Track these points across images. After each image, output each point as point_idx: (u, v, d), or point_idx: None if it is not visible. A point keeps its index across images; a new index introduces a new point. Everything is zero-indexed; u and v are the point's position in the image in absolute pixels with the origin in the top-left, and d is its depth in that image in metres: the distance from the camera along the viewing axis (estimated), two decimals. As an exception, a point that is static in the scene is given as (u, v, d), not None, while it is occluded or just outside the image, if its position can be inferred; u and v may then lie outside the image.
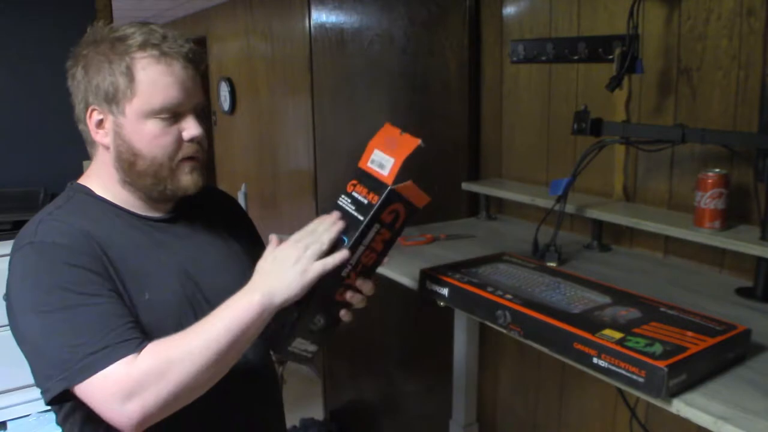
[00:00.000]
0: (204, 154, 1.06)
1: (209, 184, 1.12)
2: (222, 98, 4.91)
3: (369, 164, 1.01)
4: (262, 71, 4.20)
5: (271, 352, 1.14)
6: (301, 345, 1.02)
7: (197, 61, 1.03)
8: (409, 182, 1.00)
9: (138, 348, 0.90)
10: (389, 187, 0.97)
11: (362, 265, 0.99)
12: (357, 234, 0.96)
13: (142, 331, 0.95)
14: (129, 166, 1.02)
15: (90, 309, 0.91)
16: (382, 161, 0.99)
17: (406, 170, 0.98)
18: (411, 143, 0.98)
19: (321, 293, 0.97)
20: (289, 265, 0.94)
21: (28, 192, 2.70)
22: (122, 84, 0.98)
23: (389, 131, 1.02)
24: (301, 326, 0.98)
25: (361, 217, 0.97)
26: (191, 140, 1.03)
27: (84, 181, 1.09)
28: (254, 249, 1.23)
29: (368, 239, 0.97)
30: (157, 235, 1.07)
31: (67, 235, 0.97)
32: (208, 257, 1.11)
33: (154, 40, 0.99)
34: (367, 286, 1.02)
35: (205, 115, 1.09)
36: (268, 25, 4.05)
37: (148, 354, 0.90)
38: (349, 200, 0.99)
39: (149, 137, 1.00)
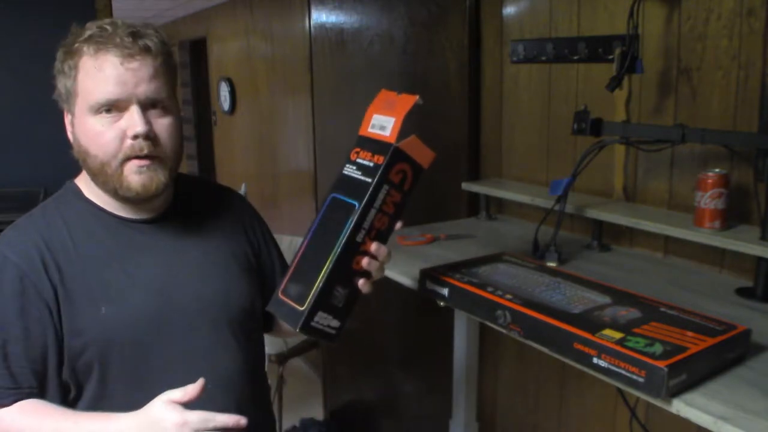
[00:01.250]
0: (163, 151, 1.00)
1: (217, 183, 1.10)
2: (222, 98, 4.91)
3: (370, 129, 1.01)
4: (262, 71, 4.20)
5: (295, 329, 1.03)
6: (324, 320, 0.98)
7: (145, 51, 0.98)
8: (412, 137, 1.00)
9: (3, 400, 0.95)
10: (393, 146, 0.97)
11: (376, 230, 0.99)
12: (367, 196, 0.96)
13: (34, 377, 0.98)
14: (83, 164, 1.03)
15: None
16: (383, 123, 1.00)
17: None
18: (409, 100, 0.99)
19: (338, 264, 0.96)
20: None
21: (28, 192, 2.70)
22: (69, 84, 0.99)
23: (386, 96, 1.04)
24: (322, 299, 0.96)
25: (368, 180, 0.97)
26: (135, 137, 0.97)
27: (78, 180, 1.09)
28: (260, 253, 1.20)
29: (379, 201, 0.97)
30: (138, 238, 1.06)
31: (20, 252, 0.99)
32: (191, 262, 1.09)
33: (100, 36, 0.97)
34: (382, 251, 1.00)
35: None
36: (268, 25, 4.05)
37: (10, 414, 0.95)
38: (354, 167, 1.00)
39: (92, 135, 0.98)
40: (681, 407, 0.87)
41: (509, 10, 1.93)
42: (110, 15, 2.79)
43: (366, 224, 0.97)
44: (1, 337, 0.96)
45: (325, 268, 0.96)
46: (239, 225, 1.19)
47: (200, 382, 0.91)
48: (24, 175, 2.79)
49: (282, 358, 2.82)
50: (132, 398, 0.96)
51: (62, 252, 1.00)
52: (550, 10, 1.79)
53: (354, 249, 0.98)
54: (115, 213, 1.06)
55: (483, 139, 2.05)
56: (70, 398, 1.02)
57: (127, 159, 0.99)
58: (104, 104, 0.97)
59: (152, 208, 1.07)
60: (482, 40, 2.00)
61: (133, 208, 1.06)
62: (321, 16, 2.74)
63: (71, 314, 0.98)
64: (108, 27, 0.98)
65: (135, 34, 0.98)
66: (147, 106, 0.99)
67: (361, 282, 1.00)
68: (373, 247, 0.99)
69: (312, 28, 2.82)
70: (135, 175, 0.99)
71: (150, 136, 0.98)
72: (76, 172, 1.10)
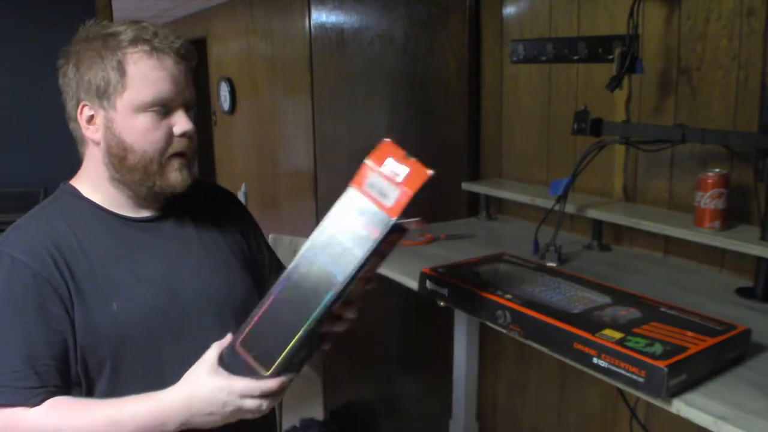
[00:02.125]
0: (193, 151, 1.06)
1: (207, 180, 1.11)
2: (222, 98, 4.91)
3: (366, 188, 0.86)
4: (262, 71, 4.20)
5: None
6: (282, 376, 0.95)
7: (189, 57, 1.03)
8: (415, 220, 0.89)
9: (31, 400, 0.93)
10: (393, 222, 0.83)
11: (349, 295, 0.91)
12: (352, 272, 0.85)
13: (58, 376, 0.96)
14: (119, 161, 1.02)
15: (11, 339, 0.95)
16: (384, 189, 0.85)
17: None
18: (421, 175, 0.85)
19: (309, 333, 0.89)
20: (220, 415, 0.93)
21: (28, 192, 2.70)
22: (113, 78, 0.99)
23: (391, 151, 0.87)
24: (287, 363, 0.92)
25: (357, 253, 0.85)
26: (182, 135, 1.03)
27: (74, 181, 1.09)
28: (251, 247, 1.23)
29: (362, 272, 0.87)
30: (140, 237, 1.07)
31: (29, 252, 0.98)
32: (192, 259, 1.10)
33: (146, 35, 1.00)
34: (350, 312, 0.99)
35: (198, 112, 1.09)
36: (268, 25, 4.05)
37: (42, 413, 0.93)
38: (343, 228, 0.87)
39: (140, 131, 1.00)
40: (681, 407, 0.87)
41: (509, 10, 1.93)
42: (110, 15, 2.79)
43: (344, 295, 0.89)
44: (22, 337, 0.95)
45: (296, 338, 0.89)
46: (232, 220, 1.22)
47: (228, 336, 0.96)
48: (24, 175, 2.78)
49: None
50: (143, 393, 0.98)
51: (69, 251, 1.00)
52: (550, 10, 1.79)
53: (328, 316, 0.91)
54: (117, 212, 1.07)
55: (483, 139, 2.05)
56: (81, 394, 1.02)
57: (171, 156, 1.03)
58: (159, 102, 1.00)
59: (156, 207, 1.09)
60: (482, 40, 2.00)
61: (139, 206, 1.08)
62: (321, 16, 2.74)
63: (84, 312, 0.98)
64: (151, 28, 1.01)
65: (179, 38, 1.02)
66: (186, 107, 1.04)
67: (324, 345, 0.99)
68: (348, 314, 0.97)
69: (312, 28, 2.82)
70: (176, 172, 1.04)
71: (192, 136, 1.04)
72: (76, 172, 1.09)
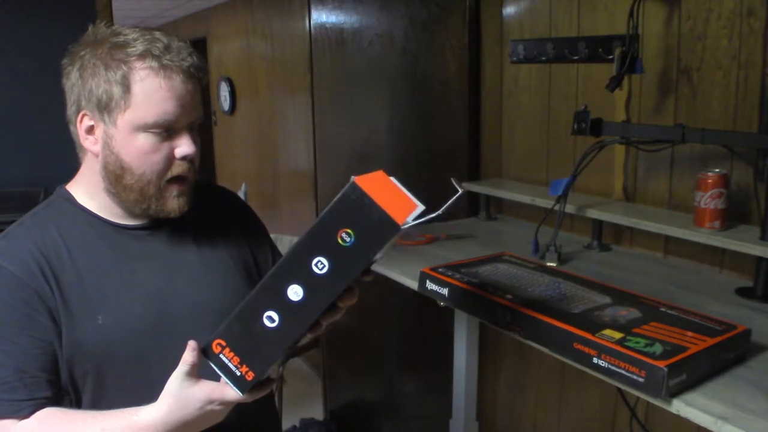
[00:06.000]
0: (194, 174, 1.02)
1: (209, 182, 1.08)
2: (222, 98, 4.91)
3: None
4: (262, 71, 4.20)
5: None
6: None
7: (199, 77, 0.98)
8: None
9: (19, 413, 0.92)
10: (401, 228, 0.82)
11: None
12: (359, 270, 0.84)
13: (48, 386, 0.95)
14: (116, 179, 0.99)
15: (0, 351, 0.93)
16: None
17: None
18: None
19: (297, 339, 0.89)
20: (202, 421, 0.91)
21: (28, 192, 2.69)
22: (117, 93, 0.94)
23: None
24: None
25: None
26: (183, 158, 0.98)
27: (70, 186, 1.06)
28: (255, 254, 1.18)
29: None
30: (134, 247, 1.03)
31: (16, 262, 0.96)
32: (188, 270, 1.06)
33: (155, 50, 0.94)
34: (349, 299, 0.94)
35: (203, 125, 1.05)
36: (268, 25, 4.05)
37: (31, 426, 0.92)
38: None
39: (139, 152, 0.96)
40: (681, 407, 0.87)
41: (509, 10, 1.93)
42: (110, 15, 2.79)
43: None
44: (10, 349, 0.93)
45: (285, 349, 0.88)
46: (235, 226, 1.17)
47: (192, 343, 0.90)
48: (24, 175, 2.78)
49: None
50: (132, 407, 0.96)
51: (57, 260, 0.97)
52: (550, 10, 1.79)
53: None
54: (111, 220, 1.03)
55: (483, 139, 2.05)
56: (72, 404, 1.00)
57: (171, 180, 0.99)
58: (162, 124, 0.95)
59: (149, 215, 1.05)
60: (482, 40, 2.00)
61: (131, 215, 1.04)
62: (321, 16, 2.74)
63: (69, 324, 0.96)
64: (163, 40, 0.96)
65: (192, 55, 0.97)
66: (191, 128, 1.00)
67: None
68: (347, 302, 0.92)
69: (312, 28, 2.82)
70: (174, 199, 1.00)
71: (193, 159, 1.00)
72: (76, 172, 1.08)
